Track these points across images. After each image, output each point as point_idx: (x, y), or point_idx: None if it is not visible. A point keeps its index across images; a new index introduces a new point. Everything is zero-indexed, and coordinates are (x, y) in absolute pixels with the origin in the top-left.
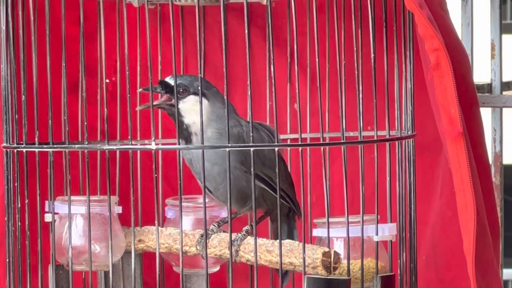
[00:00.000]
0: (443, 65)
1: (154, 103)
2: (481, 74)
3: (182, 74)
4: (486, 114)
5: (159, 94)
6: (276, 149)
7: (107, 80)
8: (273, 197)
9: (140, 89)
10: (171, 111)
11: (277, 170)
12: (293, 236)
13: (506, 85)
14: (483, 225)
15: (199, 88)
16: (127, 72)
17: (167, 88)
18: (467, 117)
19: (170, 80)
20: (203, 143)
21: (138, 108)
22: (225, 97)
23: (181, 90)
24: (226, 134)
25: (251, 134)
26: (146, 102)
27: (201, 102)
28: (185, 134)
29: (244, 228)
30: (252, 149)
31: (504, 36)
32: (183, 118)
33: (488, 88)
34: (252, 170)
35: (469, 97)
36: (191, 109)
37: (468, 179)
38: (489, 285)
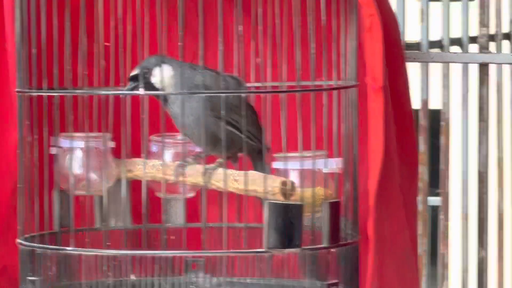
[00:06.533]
0: (375, 29)
1: (131, 86)
2: (412, 34)
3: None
4: (416, 68)
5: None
6: (243, 95)
7: (108, 44)
8: (241, 139)
9: (125, 90)
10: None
11: (243, 113)
12: (265, 170)
13: (432, 44)
14: (391, 165)
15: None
16: (120, 33)
17: (135, 78)
18: (393, 71)
19: (135, 71)
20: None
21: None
22: (200, 52)
23: (145, 70)
24: (193, 88)
25: (222, 82)
26: (134, 65)
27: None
28: (164, 99)
29: (217, 161)
30: (223, 95)
31: (430, 3)
32: (157, 86)
33: (417, 46)
34: (222, 112)
35: (397, 55)
36: (158, 77)
37: (382, 127)
38: (391, 216)
